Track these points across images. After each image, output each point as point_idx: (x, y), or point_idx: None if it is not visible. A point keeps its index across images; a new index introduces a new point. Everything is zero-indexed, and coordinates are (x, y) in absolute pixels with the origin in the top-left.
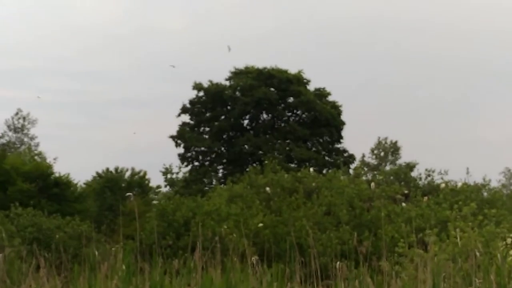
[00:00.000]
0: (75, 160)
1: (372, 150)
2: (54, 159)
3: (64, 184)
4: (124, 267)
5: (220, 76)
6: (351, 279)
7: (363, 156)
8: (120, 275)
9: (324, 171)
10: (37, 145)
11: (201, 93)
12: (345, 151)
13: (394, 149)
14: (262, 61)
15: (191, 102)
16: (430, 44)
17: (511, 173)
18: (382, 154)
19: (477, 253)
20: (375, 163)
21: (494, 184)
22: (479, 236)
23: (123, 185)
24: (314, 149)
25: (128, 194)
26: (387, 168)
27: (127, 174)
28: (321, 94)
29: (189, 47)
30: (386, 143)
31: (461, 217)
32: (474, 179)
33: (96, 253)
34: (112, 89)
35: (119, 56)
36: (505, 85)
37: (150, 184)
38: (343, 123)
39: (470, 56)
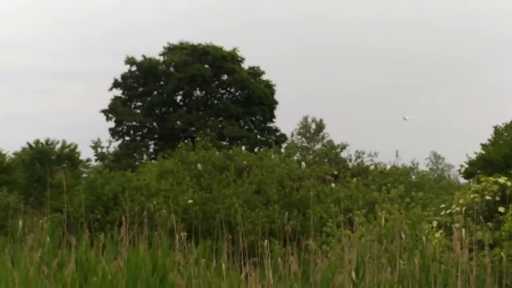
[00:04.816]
0: (5, 132)
1: (299, 130)
2: None
3: None
4: (48, 239)
5: (155, 52)
6: (275, 257)
7: (292, 135)
8: (46, 247)
9: (256, 150)
10: None
11: (134, 68)
12: (277, 130)
13: (319, 128)
14: (198, 37)
15: (123, 76)
16: (363, 31)
17: (437, 157)
18: (308, 135)
19: (403, 235)
20: (303, 143)
21: (422, 167)
22: (406, 218)
23: (53, 157)
24: (246, 127)
25: (56, 168)
26: (316, 148)
27: (58, 146)
28: (255, 72)
29: (124, 22)
30: (313, 121)
31: (389, 199)
32: (403, 162)
33: (20, 224)
34: (44, 62)
35: (52, 30)
36: (432, 71)
37: (81, 158)
38: (276, 102)
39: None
